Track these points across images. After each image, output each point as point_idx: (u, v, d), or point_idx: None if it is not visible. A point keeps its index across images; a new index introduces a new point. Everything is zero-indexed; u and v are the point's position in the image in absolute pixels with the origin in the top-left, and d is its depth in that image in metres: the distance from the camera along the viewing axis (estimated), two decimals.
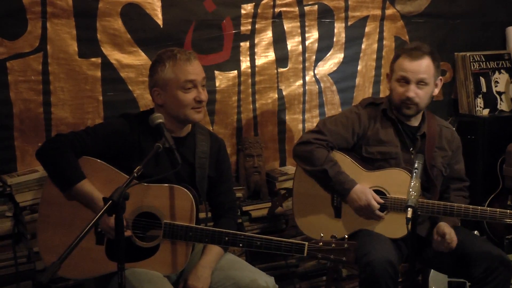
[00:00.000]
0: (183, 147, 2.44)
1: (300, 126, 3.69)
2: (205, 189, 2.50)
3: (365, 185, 2.69)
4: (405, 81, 2.70)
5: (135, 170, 2.01)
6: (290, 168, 3.57)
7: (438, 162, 2.79)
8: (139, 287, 2.22)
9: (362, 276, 2.54)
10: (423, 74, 2.69)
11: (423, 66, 2.70)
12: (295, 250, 2.24)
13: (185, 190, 2.32)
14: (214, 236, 2.29)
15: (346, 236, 2.25)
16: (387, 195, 2.67)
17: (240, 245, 2.28)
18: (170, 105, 2.38)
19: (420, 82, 2.70)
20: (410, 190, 2.19)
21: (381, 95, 3.87)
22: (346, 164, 2.74)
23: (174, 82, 2.34)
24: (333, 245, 2.20)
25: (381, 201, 2.65)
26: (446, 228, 2.64)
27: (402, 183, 2.57)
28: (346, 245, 2.20)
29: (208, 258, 2.42)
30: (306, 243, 2.23)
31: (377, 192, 2.69)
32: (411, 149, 2.77)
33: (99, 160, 2.34)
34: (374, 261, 2.47)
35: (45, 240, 2.34)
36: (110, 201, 1.86)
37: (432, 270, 3.11)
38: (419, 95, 2.70)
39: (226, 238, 2.28)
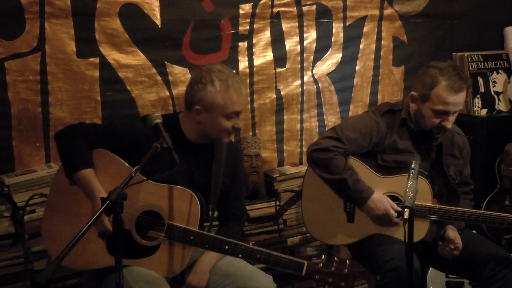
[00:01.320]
0: (201, 153, 2.45)
1: (299, 126, 3.69)
2: (218, 196, 2.51)
3: (380, 191, 2.65)
4: (444, 112, 2.59)
5: (133, 170, 2.01)
6: (288, 168, 3.58)
7: (451, 171, 2.76)
8: (136, 287, 2.22)
9: (384, 281, 2.50)
10: (461, 105, 2.62)
11: (463, 97, 2.60)
12: (293, 268, 2.22)
13: (194, 195, 2.32)
14: (215, 243, 2.28)
15: (348, 262, 2.19)
16: (402, 200, 2.65)
17: (240, 255, 2.28)
18: (208, 126, 2.36)
19: (457, 111, 2.63)
20: (407, 190, 2.18)
21: (379, 95, 3.88)
22: (360, 169, 2.70)
23: (221, 109, 2.32)
24: (333, 268, 2.14)
25: (399, 209, 2.60)
26: (451, 233, 2.62)
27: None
28: (346, 271, 2.13)
29: (208, 254, 2.41)
30: (306, 262, 2.19)
31: (392, 198, 2.66)
32: (427, 158, 2.73)
33: (114, 155, 2.33)
34: (401, 267, 2.42)
35: (50, 227, 2.33)
36: (108, 201, 1.85)
37: (430, 269, 3.12)
38: (452, 121, 2.64)
39: (227, 247, 2.28)
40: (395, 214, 2.60)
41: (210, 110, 2.33)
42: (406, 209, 2.08)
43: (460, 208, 2.61)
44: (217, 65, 2.39)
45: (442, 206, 2.61)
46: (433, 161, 2.74)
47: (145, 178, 2.20)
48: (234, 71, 3.43)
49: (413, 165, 2.28)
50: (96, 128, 2.36)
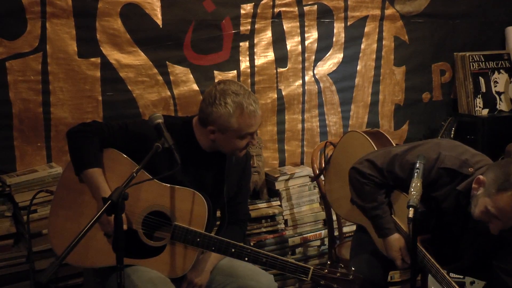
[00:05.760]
0: (213, 160, 2.44)
1: (300, 126, 3.69)
2: (226, 200, 2.51)
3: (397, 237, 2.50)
4: (494, 217, 2.28)
5: (134, 170, 2.01)
6: (290, 168, 3.58)
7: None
8: (141, 287, 2.22)
9: None
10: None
11: None
12: (299, 272, 2.23)
13: (202, 197, 2.32)
14: (221, 246, 2.28)
15: (353, 268, 2.21)
16: (393, 215, 2.60)
17: (246, 259, 2.28)
18: (222, 145, 2.36)
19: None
20: (412, 190, 2.17)
21: (380, 95, 3.87)
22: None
23: (235, 132, 2.31)
24: (338, 274, 2.17)
25: (408, 263, 2.49)
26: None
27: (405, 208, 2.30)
28: (351, 277, 2.16)
29: (211, 253, 2.41)
30: (312, 267, 2.21)
31: None
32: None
33: (124, 155, 2.33)
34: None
35: (55, 223, 2.32)
36: (109, 201, 1.86)
37: None
38: (499, 229, 2.33)
39: (233, 250, 2.28)
40: (400, 264, 2.50)
41: (224, 132, 2.31)
42: (411, 208, 2.07)
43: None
44: (232, 85, 2.33)
45: None
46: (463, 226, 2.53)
47: (150, 177, 2.20)
48: (235, 71, 3.44)
49: (417, 165, 2.26)
50: (109, 127, 2.35)
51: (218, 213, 2.61)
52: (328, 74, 3.72)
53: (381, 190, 2.51)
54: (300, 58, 3.63)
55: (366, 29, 3.78)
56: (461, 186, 2.38)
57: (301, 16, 3.58)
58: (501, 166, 2.31)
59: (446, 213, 2.45)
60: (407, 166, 2.41)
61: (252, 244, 3.27)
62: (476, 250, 2.52)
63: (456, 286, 2.35)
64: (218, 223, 2.65)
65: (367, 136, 2.81)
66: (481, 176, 2.31)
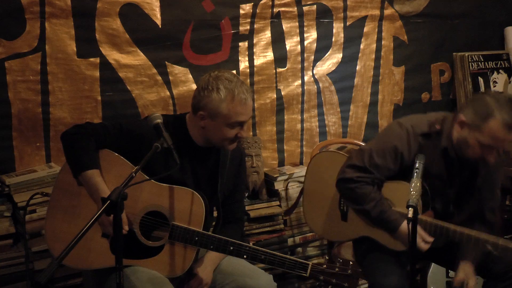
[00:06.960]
0: (208, 157, 2.45)
1: (299, 126, 3.69)
2: (222, 199, 2.51)
3: None
4: (491, 148, 2.37)
5: (133, 170, 2.01)
6: (289, 168, 3.58)
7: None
8: (140, 287, 2.22)
9: None
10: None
11: None
12: (298, 269, 2.24)
13: (199, 196, 2.32)
14: (219, 244, 2.29)
15: (351, 262, 2.21)
16: (393, 207, 2.63)
17: (244, 256, 2.29)
18: (211, 133, 2.36)
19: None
20: (411, 190, 2.17)
21: (380, 95, 3.88)
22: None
23: (224, 118, 2.30)
24: (337, 269, 2.18)
25: (430, 239, 2.45)
26: (461, 273, 2.52)
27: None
28: (349, 271, 2.17)
29: (214, 253, 2.41)
30: (310, 263, 2.22)
31: None
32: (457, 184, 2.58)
33: (119, 155, 2.33)
34: None
35: (53, 226, 2.32)
36: (109, 201, 1.85)
37: (431, 269, 3.11)
38: (497, 157, 2.44)
39: (231, 248, 2.29)
40: (424, 246, 2.44)
41: (214, 118, 2.32)
42: (410, 208, 2.07)
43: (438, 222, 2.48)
44: (226, 73, 2.36)
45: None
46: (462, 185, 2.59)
47: (147, 178, 2.20)
48: (235, 71, 3.44)
49: (417, 165, 2.26)
50: (103, 128, 2.35)
51: (215, 213, 2.61)
52: (327, 74, 3.72)
53: (374, 187, 2.54)
54: (299, 58, 3.63)
55: (365, 29, 3.78)
56: (444, 142, 2.49)
57: (300, 16, 3.58)
58: (474, 101, 2.44)
59: (439, 179, 2.50)
60: (386, 151, 2.50)
61: (251, 244, 3.27)
62: (476, 196, 2.58)
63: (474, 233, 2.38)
64: (214, 223, 2.66)
65: (335, 150, 2.84)
66: (462, 118, 2.41)
